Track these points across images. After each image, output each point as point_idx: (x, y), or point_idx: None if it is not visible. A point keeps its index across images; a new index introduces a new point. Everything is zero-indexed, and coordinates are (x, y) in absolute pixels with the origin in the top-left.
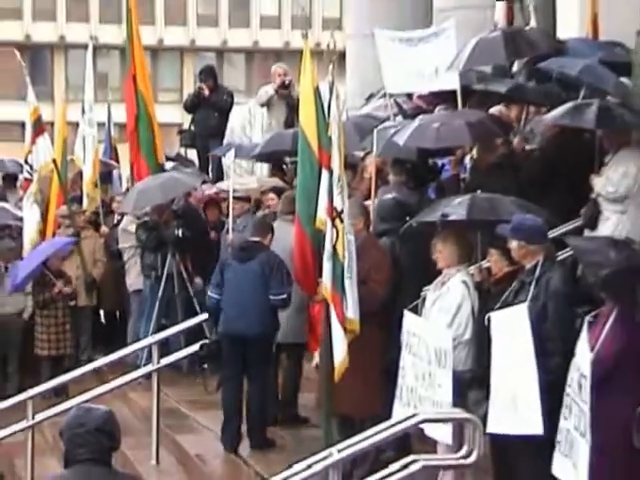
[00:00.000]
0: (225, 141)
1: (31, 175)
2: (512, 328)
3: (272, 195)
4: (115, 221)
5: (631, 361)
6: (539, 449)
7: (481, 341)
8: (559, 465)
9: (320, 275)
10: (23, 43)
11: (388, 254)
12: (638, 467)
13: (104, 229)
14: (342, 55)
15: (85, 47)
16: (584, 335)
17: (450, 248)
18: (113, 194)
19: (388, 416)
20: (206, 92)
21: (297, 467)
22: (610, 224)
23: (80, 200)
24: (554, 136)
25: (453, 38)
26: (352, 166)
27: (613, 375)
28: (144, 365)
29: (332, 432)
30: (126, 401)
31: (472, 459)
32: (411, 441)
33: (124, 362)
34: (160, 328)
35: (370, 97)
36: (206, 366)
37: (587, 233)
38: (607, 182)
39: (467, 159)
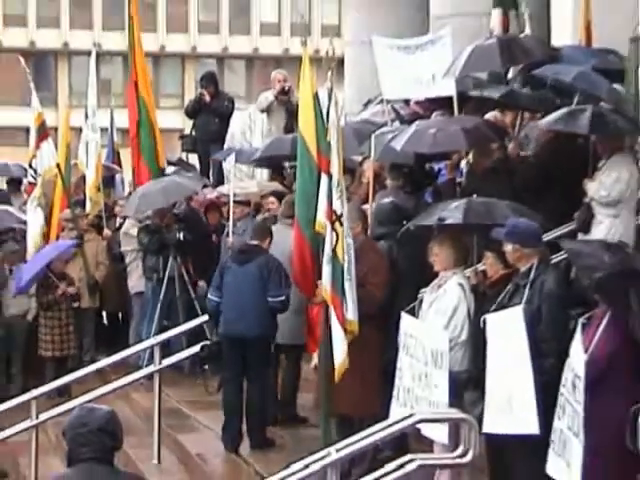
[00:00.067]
0: (226, 146)
1: (35, 179)
2: (507, 330)
3: (272, 199)
4: (117, 224)
5: (624, 362)
6: (534, 449)
7: (477, 342)
8: (553, 464)
9: (319, 277)
10: (27, 50)
11: (386, 257)
12: (631, 467)
13: (107, 232)
14: (341, 62)
15: (88, 54)
16: (578, 336)
17: (446, 251)
18: (116, 198)
19: (386, 416)
20: (207, 98)
21: (296, 466)
22: (603, 228)
23: (83, 204)
24: (548, 141)
25: (449, 45)
26: (350, 171)
27: (607, 376)
28: (146, 366)
29: (330, 432)
30: (128, 401)
31: (468, 458)
32: (408, 441)
33: (126, 363)
34: (162, 329)
35: (368, 103)
36: (207, 367)
37: (581, 237)
38: (600, 187)
39: (463, 164)
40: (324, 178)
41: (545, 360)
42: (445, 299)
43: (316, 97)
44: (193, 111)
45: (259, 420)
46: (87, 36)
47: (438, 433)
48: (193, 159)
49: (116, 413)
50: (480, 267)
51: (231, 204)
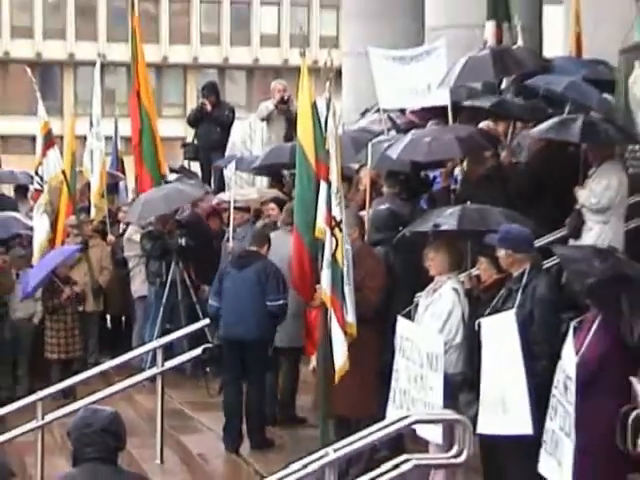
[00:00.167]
0: (227, 154)
1: (41, 186)
2: (501, 333)
3: (272, 205)
4: (121, 230)
5: (614, 364)
6: (527, 449)
7: (471, 345)
8: (545, 463)
9: (317, 282)
10: (34, 60)
11: (382, 262)
12: (620, 467)
13: (110, 238)
14: (338, 72)
15: (93, 64)
16: (570, 339)
17: (441, 257)
18: (119, 204)
19: (382, 417)
20: (208, 107)
21: (294, 466)
22: (593, 234)
23: (88, 210)
24: (540, 150)
25: (444, 56)
26: (348, 178)
27: (597, 377)
28: (149, 368)
29: (328, 432)
30: (132, 403)
31: (462, 458)
32: (404, 441)
33: (130, 365)
34: (164, 332)
35: (365, 112)
36: (208, 369)
37: (572, 242)
38: (590, 194)
39: (457, 171)
40: (323, 185)
41: (537, 362)
42: (440, 303)
43: (314, 106)
44: (195, 120)
45: (258, 421)
46: (92, 47)
47: (433, 434)
48: (195, 167)
49: (119, 414)
50: (474, 272)
51: (231, 210)
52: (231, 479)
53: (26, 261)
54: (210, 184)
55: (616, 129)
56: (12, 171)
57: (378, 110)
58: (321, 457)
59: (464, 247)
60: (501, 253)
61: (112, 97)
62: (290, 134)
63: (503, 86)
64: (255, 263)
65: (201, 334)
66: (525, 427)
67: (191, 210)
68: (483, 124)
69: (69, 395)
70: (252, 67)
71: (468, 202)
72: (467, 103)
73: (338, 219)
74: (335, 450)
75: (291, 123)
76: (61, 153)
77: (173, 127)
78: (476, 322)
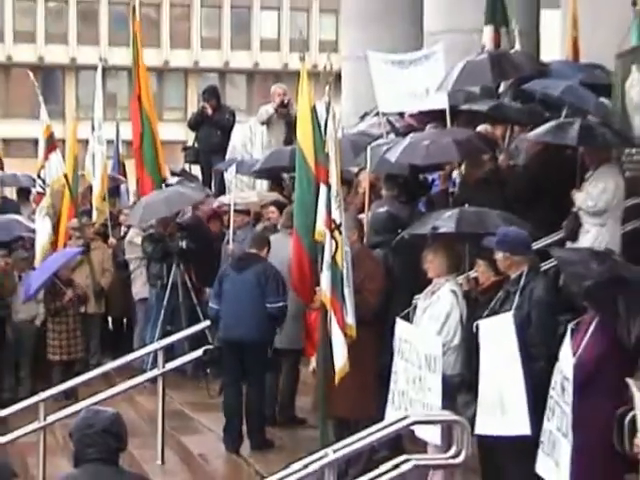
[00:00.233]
0: (227, 157)
1: (43, 189)
2: (499, 335)
3: (273, 208)
4: (122, 233)
5: (611, 365)
6: (524, 449)
7: (469, 347)
8: (542, 464)
9: (317, 284)
10: (36, 65)
11: (381, 265)
12: (617, 467)
13: (112, 240)
14: (338, 76)
15: (95, 68)
16: (567, 341)
17: (440, 259)
18: (121, 207)
19: (381, 419)
20: (209, 111)
21: (294, 466)
22: (590, 236)
23: (90, 213)
24: (537, 153)
25: (442, 60)
26: (347, 181)
27: (594, 378)
28: (150, 369)
29: (328, 433)
30: (133, 404)
31: (460, 459)
32: (403, 442)
33: (131, 366)
34: (165, 334)
35: (364, 116)
36: (209, 371)
37: (569, 245)
38: (587, 197)
39: (455, 174)
40: (323, 188)
41: (535, 364)
42: (438, 305)
43: (314, 110)
44: (196, 124)
45: (258, 422)
46: (94, 52)
47: (431, 434)
48: (196, 170)
49: (121, 415)
50: (472, 274)
51: (232, 213)
52: (231, 479)
53: (28, 263)
54: (211, 187)
55: (613, 133)
56: (15, 174)
57: (377, 114)
58: (321, 458)
59: (462, 249)
60: (499, 255)
61: (113, 101)
62: (290, 138)
63: (501, 90)
64: (255, 266)
65: (202, 336)
66: (523, 428)
67: (192, 213)
68: (481, 128)
69: (71, 396)
70: (252, 71)
71: (466, 205)
72: (465, 107)
73: (338, 222)
74: (335, 451)
75: (291, 127)
76: (63, 156)
77: (174, 131)
78: (474, 324)
